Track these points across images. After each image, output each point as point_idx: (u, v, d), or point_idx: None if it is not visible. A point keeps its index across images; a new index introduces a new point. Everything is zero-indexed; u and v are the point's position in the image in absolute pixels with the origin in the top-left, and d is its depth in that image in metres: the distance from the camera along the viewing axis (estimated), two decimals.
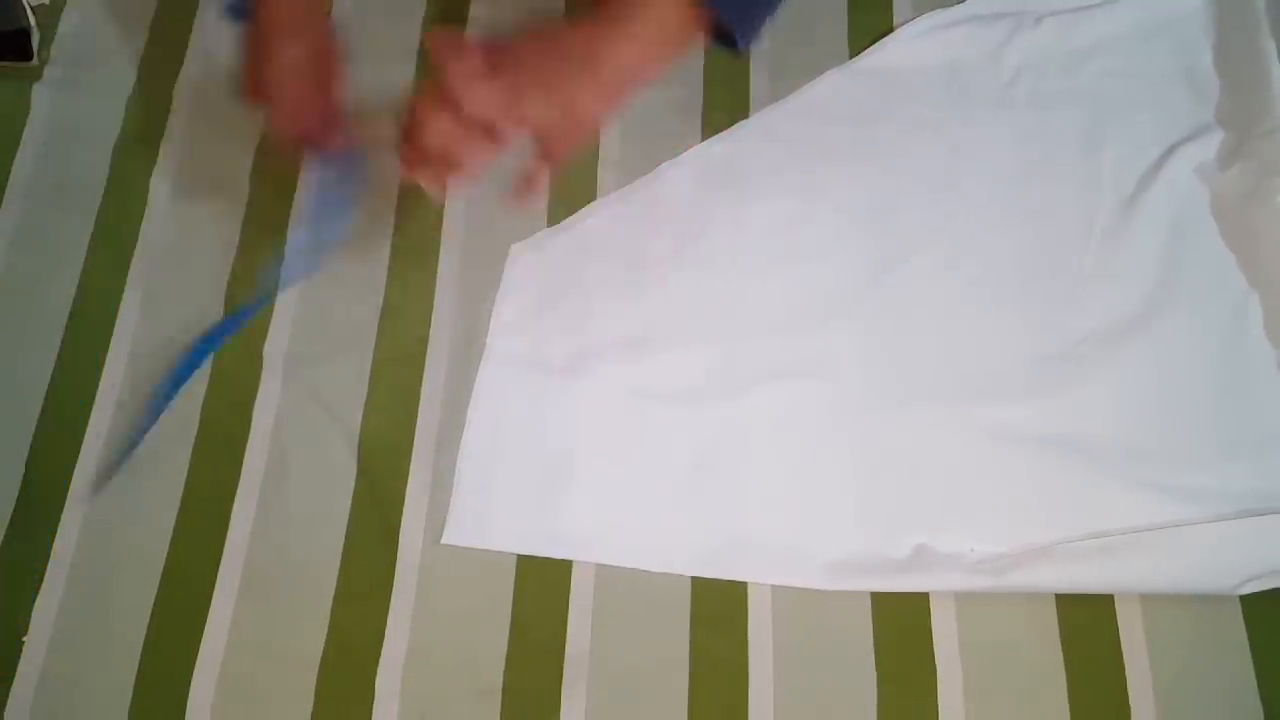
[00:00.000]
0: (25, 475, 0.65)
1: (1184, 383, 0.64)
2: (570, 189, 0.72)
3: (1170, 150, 0.70)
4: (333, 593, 0.61)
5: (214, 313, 0.68)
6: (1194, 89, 0.73)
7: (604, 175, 0.72)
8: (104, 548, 0.63)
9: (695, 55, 0.76)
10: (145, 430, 0.64)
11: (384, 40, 0.76)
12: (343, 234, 0.67)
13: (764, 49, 0.76)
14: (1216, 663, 0.59)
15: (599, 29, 0.57)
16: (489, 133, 0.56)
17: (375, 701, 0.59)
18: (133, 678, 0.60)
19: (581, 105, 0.57)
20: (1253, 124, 0.70)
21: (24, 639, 0.61)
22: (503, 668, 0.60)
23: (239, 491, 0.64)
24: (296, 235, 0.60)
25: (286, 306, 0.69)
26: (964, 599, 0.60)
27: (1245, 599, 0.60)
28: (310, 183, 0.61)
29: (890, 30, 0.76)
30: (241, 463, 0.64)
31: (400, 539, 0.63)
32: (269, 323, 0.68)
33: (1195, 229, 0.68)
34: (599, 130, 0.61)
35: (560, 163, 0.59)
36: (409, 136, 0.57)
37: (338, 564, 0.62)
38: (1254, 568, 0.59)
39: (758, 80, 0.75)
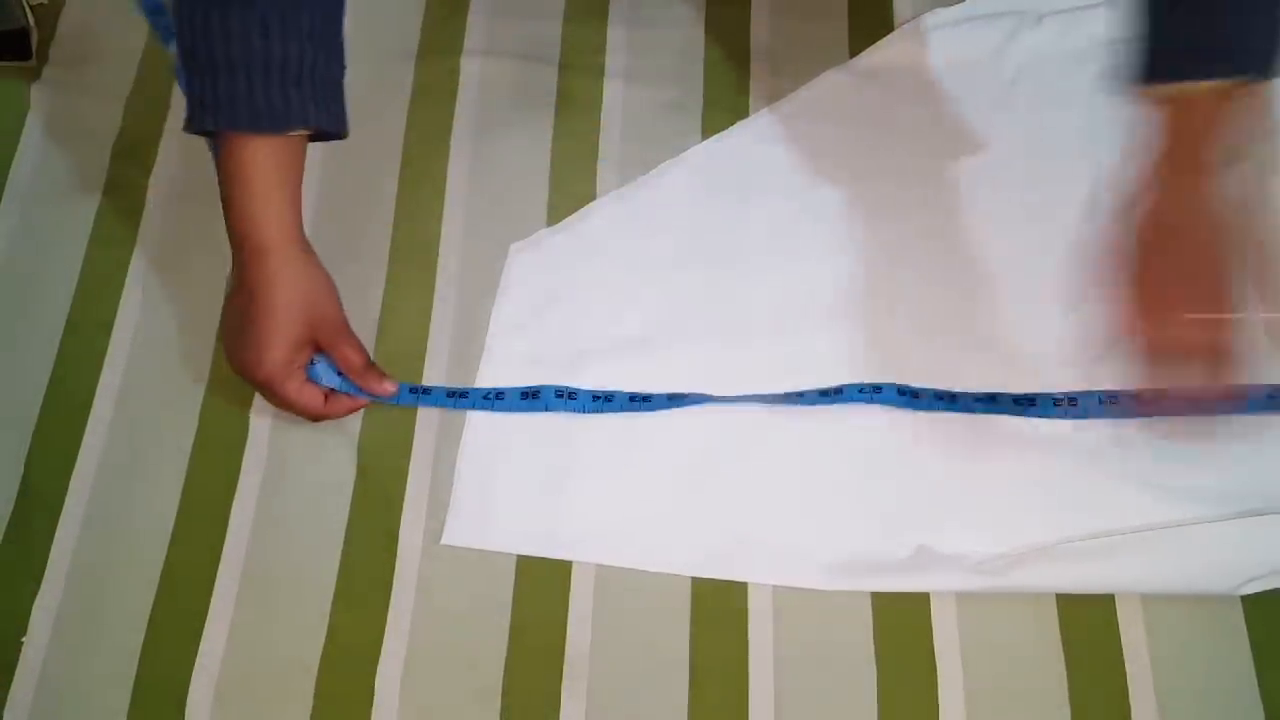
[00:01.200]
0: (25, 475, 0.65)
1: None
2: (570, 189, 0.72)
3: None
4: (332, 593, 0.61)
5: (214, 313, 0.68)
6: None
7: (604, 175, 0.72)
8: (104, 548, 0.63)
9: (695, 55, 0.76)
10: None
11: (384, 40, 0.77)
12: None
13: (764, 47, 0.76)
14: (1216, 663, 0.59)
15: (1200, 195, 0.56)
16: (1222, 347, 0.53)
17: (375, 702, 0.59)
18: (132, 679, 0.60)
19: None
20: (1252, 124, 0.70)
21: (24, 639, 0.61)
22: (502, 668, 0.60)
23: (238, 492, 0.64)
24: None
25: None
26: (964, 599, 0.60)
27: (1246, 599, 0.60)
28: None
29: (890, 30, 0.76)
30: (241, 463, 0.64)
31: (400, 539, 0.63)
32: None
33: None
34: None
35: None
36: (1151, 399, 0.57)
37: (337, 564, 0.62)
38: (1254, 568, 0.59)
39: (757, 80, 0.75)
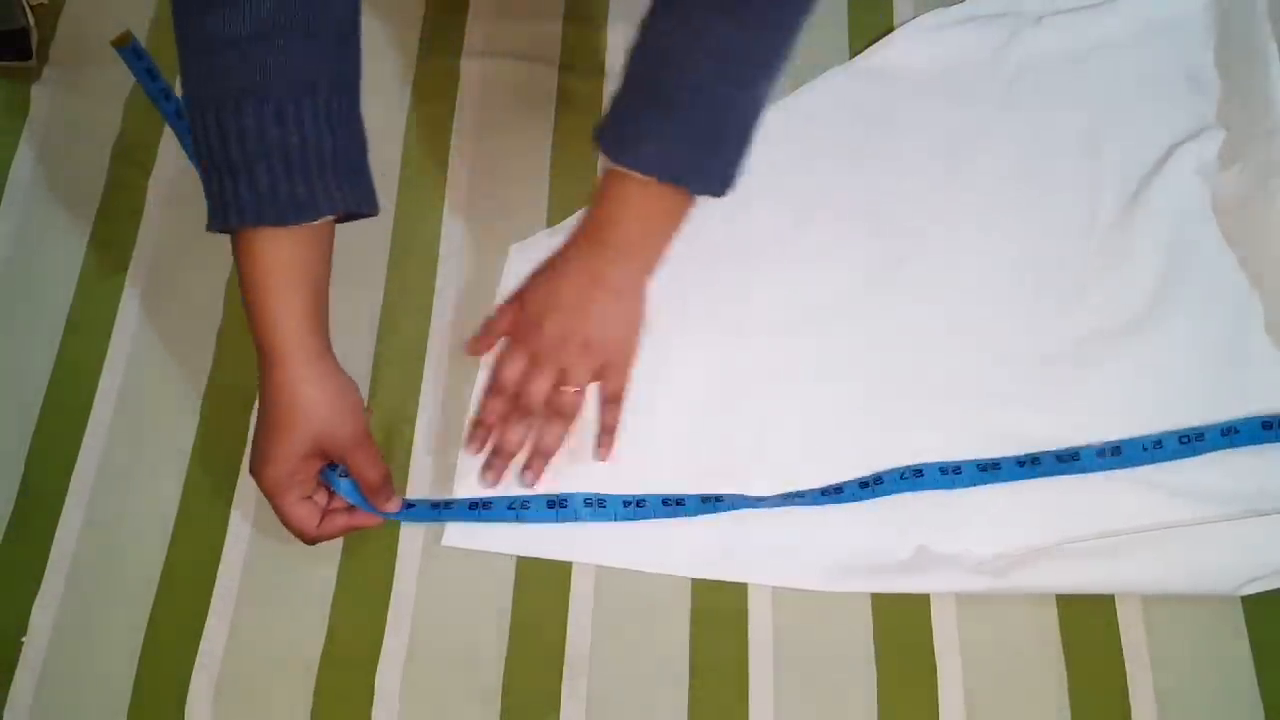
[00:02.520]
0: (25, 475, 0.65)
1: (1185, 382, 0.64)
2: (570, 189, 0.72)
3: (1171, 150, 0.70)
4: (332, 593, 0.61)
5: (214, 313, 0.68)
6: (1194, 89, 0.73)
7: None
8: (104, 548, 0.63)
9: None
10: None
11: (384, 40, 0.77)
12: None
13: None
14: (1217, 663, 0.59)
15: (589, 259, 0.61)
16: (558, 412, 0.62)
17: (375, 702, 0.59)
18: (132, 678, 0.60)
19: (618, 339, 0.63)
20: (1253, 124, 0.70)
21: (24, 639, 0.61)
22: (503, 668, 0.60)
23: (238, 492, 0.64)
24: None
25: None
26: (964, 599, 0.60)
27: (1246, 599, 0.60)
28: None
29: (890, 30, 0.76)
30: (240, 463, 0.64)
31: (400, 540, 0.63)
32: None
33: (1196, 228, 0.68)
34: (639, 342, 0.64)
35: (624, 395, 0.63)
36: (494, 452, 0.63)
37: (337, 564, 0.62)
38: (1255, 568, 0.59)
39: None
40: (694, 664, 0.60)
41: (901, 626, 0.60)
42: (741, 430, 0.64)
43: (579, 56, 0.76)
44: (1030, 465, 0.61)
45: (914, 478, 0.61)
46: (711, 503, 0.61)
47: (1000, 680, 0.59)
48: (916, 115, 0.73)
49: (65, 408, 0.66)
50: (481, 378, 0.66)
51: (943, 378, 0.65)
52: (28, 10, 0.76)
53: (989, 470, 0.61)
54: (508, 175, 0.73)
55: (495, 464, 0.63)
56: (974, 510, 0.62)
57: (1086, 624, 0.60)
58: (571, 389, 0.62)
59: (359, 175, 0.57)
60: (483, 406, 0.64)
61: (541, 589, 0.61)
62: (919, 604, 0.60)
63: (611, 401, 0.63)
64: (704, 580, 0.61)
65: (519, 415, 0.63)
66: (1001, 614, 0.60)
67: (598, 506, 0.62)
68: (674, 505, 0.61)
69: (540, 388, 0.62)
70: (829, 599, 0.61)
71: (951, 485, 0.62)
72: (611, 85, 0.75)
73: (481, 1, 0.78)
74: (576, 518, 0.61)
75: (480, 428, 0.63)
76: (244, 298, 0.56)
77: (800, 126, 0.73)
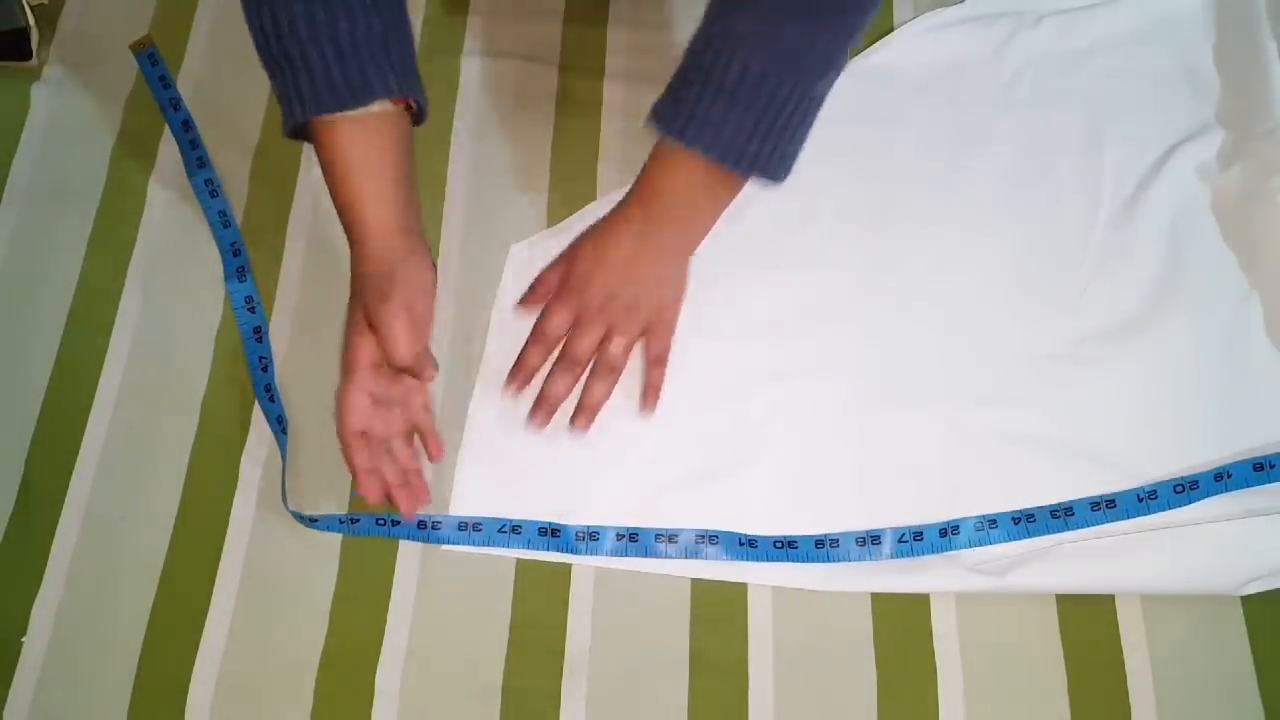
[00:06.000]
0: (25, 475, 0.65)
1: (1184, 382, 0.64)
2: (570, 189, 0.72)
3: (1170, 150, 0.70)
4: (332, 592, 0.61)
5: (214, 313, 0.68)
6: (1194, 89, 0.73)
7: (604, 174, 0.72)
8: (104, 548, 0.63)
9: None
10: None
11: None
12: None
13: None
14: (1216, 663, 0.59)
15: (640, 225, 0.63)
16: (605, 367, 0.64)
17: (375, 701, 0.59)
18: (132, 678, 0.60)
19: (664, 302, 0.65)
20: (1253, 124, 0.70)
21: (24, 639, 0.61)
22: (503, 668, 0.60)
23: (238, 491, 0.64)
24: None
25: (287, 304, 0.69)
26: (964, 599, 0.60)
27: (1246, 599, 0.60)
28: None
29: (890, 30, 0.76)
30: (240, 462, 0.64)
31: (400, 539, 0.63)
32: (269, 319, 0.68)
33: (1195, 229, 0.68)
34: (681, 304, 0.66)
35: (668, 356, 0.65)
36: (540, 399, 0.64)
37: (337, 563, 0.62)
38: (1255, 568, 0.59)
39: None
40: (694, 664, 0.60)
41: (901, 626, 0.60)
42: (740, 430, 0.64)
43: (579, 56, 0.76)
44: (1026, 522, 0.61)
45: (914, 540, 0.61)
46: (705, 542, 0.61)
47: (1000, 680, 0.59)
48: (916, 115, 0.73)
49: (65, 407, 0.66)
50: (479, 390, 0.66)
51: (941, 377, 0.65)
52: (28, 10, 0.76)
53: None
54: (508, 175, 0.73)
55: (542, 411, 0.64)
56: (974, 510, 0.62)
57: (1086, 624, 0.60)
58: (619, 345, 0.63)
59: (408, 64, 0.59)
60: (524, 352, 0.65)
61: (541, 589, 0.61)
62: (919, 604, 0.61)
63: (656, 362, 0.65)
64: (704, 580, 0.61)
65: (563, 367, 0.64)
66: (1001, 614, 0.60)
67: (590, 540, 0.62)
68: (666, 542, 0.61)
69: (587, 343, 0.64)
70: (829, 599, 0.61)
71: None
72: (612, 85, 0.75)
73: (481, 1, 0.78)
74: (570, 549, 0.61)
75: (521, 370, 0.65)
76: (330, 192, 0.59)
77: None
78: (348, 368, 0.60)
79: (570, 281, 0.65)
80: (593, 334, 0.64)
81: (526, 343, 0.65)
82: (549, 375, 0.64)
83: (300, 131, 0.58)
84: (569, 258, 0.66)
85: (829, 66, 0.59)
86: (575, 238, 0.67)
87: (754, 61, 0.56)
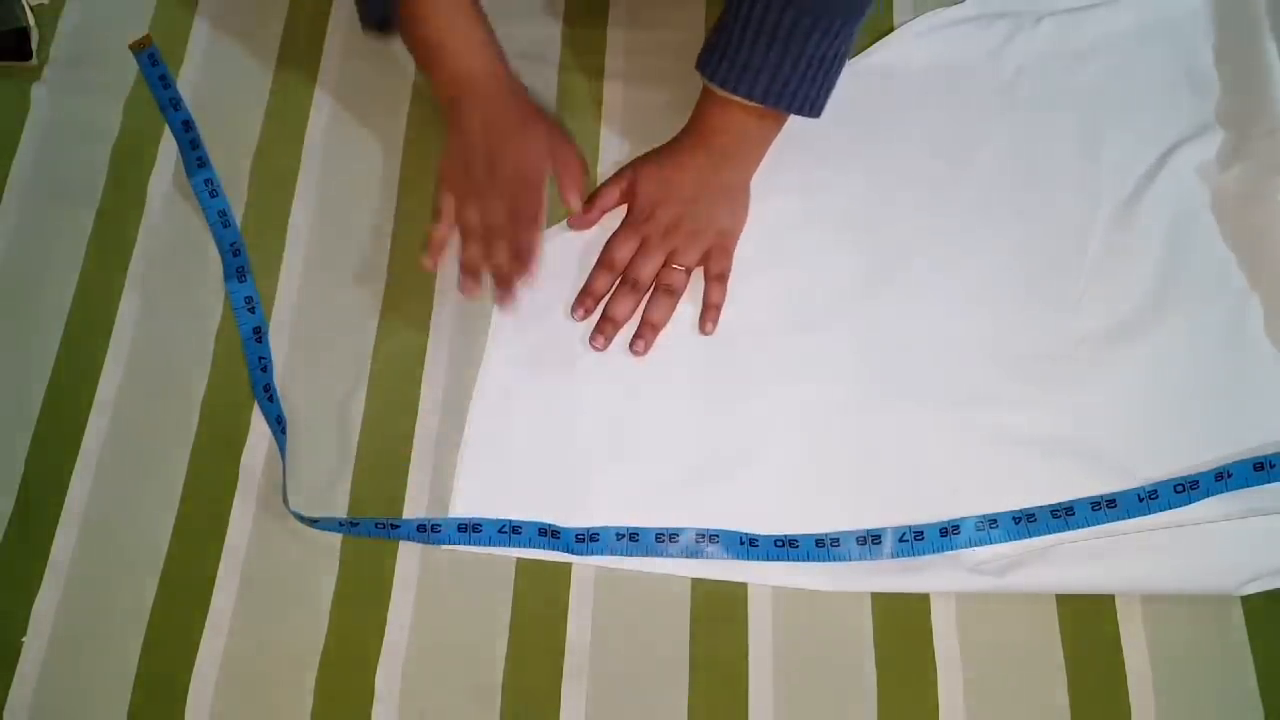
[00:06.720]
0: (25, 475, 0.65)
1: (1184, 383, 0.64)
2: None
3: (1170, 150, 0.70)
4: (332, 592, 0.61)
5: (214, 313, 0.68)
6: (1194, 89, 0.73)
7: (604, 175, 0.72)
8: (104, 548, 0.63)
9: (694, 56, 0.76)
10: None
11: (384, 40, 0.76)
12: None
13: None
14: (1216, 663, 0.59)
15: (700, 158, 0.68)
16: (667, 288, 0.67)
17: (375, 700, 0.59)
18: (132, 678, 0.60)
19: (725, 228, 0.68)
20: (1253, 124, 0.70)
21: (24, 639, 0.61)
22: (503, 667, 0.60)
23: (238, 491, 0.64)
24: None
25: (287, 304, 0.69)
26: (964, 599, 0.60)
27: (1245, 599, 0.60)
28: None
29: (890, 30, 0.76)
30: (240, 462, 0.64)
31: (400, 539, 0.63)
32: (269, 319, 0.68)
33: (1195, 229, 0.68)
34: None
35: (728, 275, 0.68)
36: (603, 318, 0.67)
37: (337, 563, 0.62)
38: (1255, 568, 0.59)
39: None
40: (694, 663, 0.60)
41: (901, 626, 0.60)
42: (740, 430, 0.64)
43: (579, 57, 0.76)
44: (1027, 522, 0.61)
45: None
46: (706, 541, 0.61)
47: (1000, 680, 0.59)
48: (916, 115, 0.73)
49: (65, 408, 0.66)
50: (481, 386, 0.66)
51: (942, 377, 0.65)
52: (28, 10, 0.76)
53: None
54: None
55: (605, 329, 0.67)
56: (974, 511, 0.62)
57: (1086, 624, 0.60)
58: (680, 268, 0.67)
59: None
60: (591, 278, 0.68)
61: (541, 589, 0.61)
62: (919, 604, 0.61)
63: (716, 280, 0.68)
64: (704, 580, 0.61)
65: (625, 289, 0.67)
66: (1001, 614, 0.60)
67: (590, 540, 0.61)
68: (667, 541, 0.61)
69: (651, 266, 0.67)
70: (829, 599, 0.61)
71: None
72: (611, 85, 0.75)
73: (482, 2, 0.78)
74: (569, 550, 0.61)
75: (588, 297, 0.67)
76: (423, 63, 0.67)
77: (800, 126, 0.73)
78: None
79: (635, 211, 0.69)
80: (656, 259, 0.67)
81: (594, 269, 0.68)
82: (612, 297, 0.67)
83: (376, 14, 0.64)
84: (634, 188, 0.69)
85: (860, 10, 0.63)
86: (633, 165, 0.70)
87: (790, 7, 0.60)
